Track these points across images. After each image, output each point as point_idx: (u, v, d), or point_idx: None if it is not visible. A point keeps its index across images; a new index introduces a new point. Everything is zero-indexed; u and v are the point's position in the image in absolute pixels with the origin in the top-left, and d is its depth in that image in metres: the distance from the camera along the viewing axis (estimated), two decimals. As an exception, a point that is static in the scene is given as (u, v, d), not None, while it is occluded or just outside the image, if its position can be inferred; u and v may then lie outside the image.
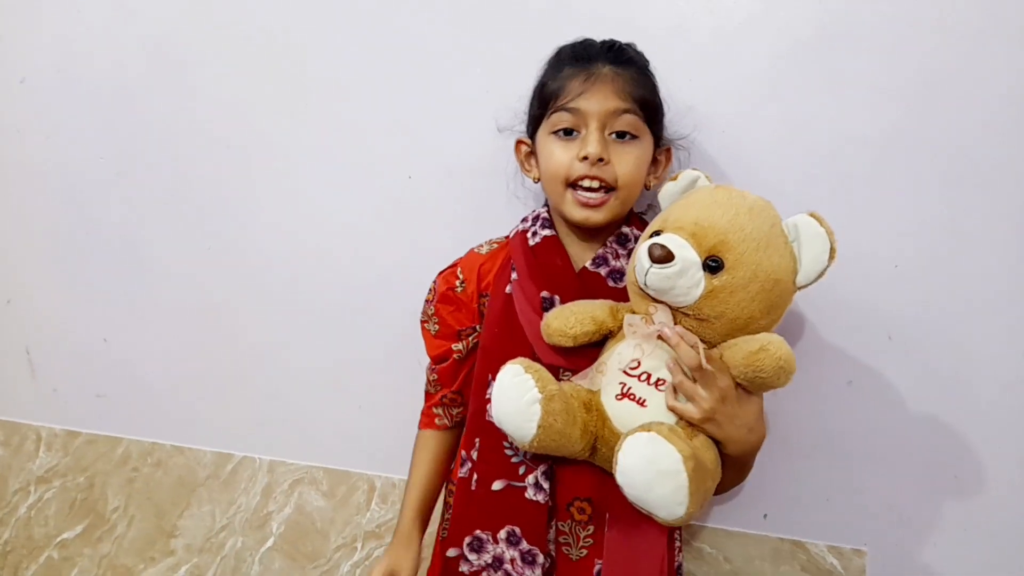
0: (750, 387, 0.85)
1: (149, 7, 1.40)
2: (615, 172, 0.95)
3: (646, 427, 0.81)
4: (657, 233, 0.85)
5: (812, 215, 0.85)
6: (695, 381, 0.83)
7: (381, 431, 1.34)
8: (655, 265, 0.80)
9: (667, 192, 0.95)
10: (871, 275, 1.12)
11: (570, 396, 0.87)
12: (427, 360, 1.12)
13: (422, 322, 1.11)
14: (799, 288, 0.86)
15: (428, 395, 1.12)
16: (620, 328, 0.91)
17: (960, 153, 1.08)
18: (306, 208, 1.36)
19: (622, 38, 1.07)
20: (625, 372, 0.88)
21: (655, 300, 0.85)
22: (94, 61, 1.45)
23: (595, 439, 0.89)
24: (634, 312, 0.89)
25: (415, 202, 1.30)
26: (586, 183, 0.96)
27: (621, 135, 0.96)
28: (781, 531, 1.19)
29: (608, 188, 0.96)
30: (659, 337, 0.85)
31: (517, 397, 0.85)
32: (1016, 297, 1.08)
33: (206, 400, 1.45)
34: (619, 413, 0.87)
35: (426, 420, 1.12)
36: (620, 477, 0.81)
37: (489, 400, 0.96)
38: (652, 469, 0.78)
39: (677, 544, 1.01)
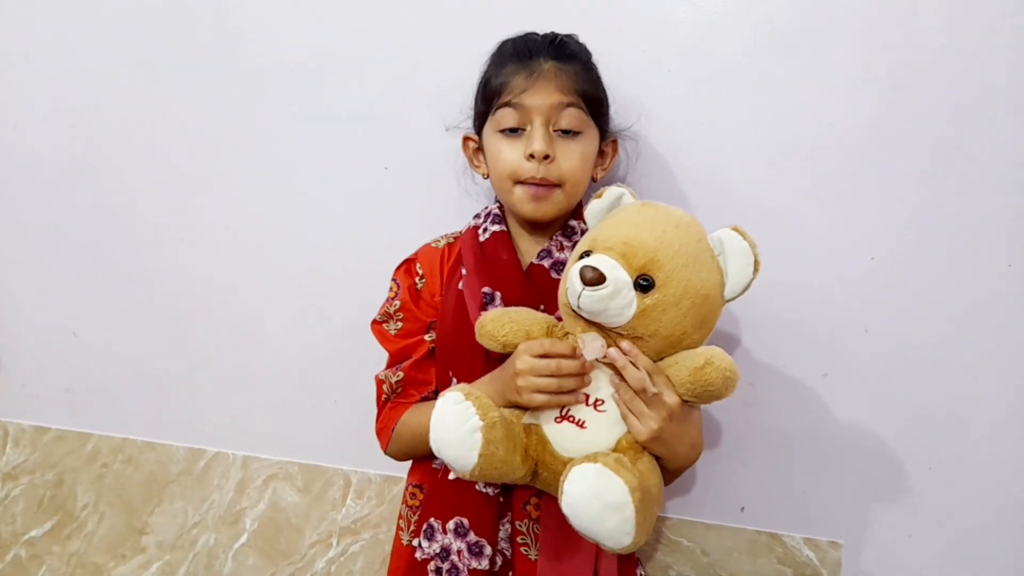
0: (697, 401, 0.85)
1: (119, -5, 1.38)
2: (560, 169, 0.96)
3: (592, 457, 0.79)
4: (587, 254, 0.84)
5: (735, 229, 0.85)
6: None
7: (356, 426, 1.32)
8: (587, 288, 0.79)
9: (593, 210, 0.93)
10: (848, 267, 1.12)
11: (511, 421, 0.86)
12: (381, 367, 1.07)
13: (378, 323, 1.07)
14: (726, 301, 0.86)
15: (390, 404, 1.04)
16: None
17: (937, 145, 1.09)
18: (280, 200, 1.34)
19: (600, 30, 1.07)
20: None
21: (588, 322, 0.85)
22: (63, 49, 1.42)
23: (536, 463, 0.87)
24: (568, 334, 0.89)
25: (391, 193, 1.28)
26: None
27: (565, 131, 0.97)
28: (758, 524, 1.19)
29: (554, 185, 0.96)
30: (604, 359, 0.84)
31: (457, 425, 0.82)
32: (993, 289, 1.09)
33: (178, 395, 1.43)
34: (559, 436, 0.86)
35: (394, 418, 1.03)
36: (566, 508, 0.79)
37: None
38: (599, 502, 0.77)
39: None
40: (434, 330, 1.04)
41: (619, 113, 1.11)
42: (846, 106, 1.11)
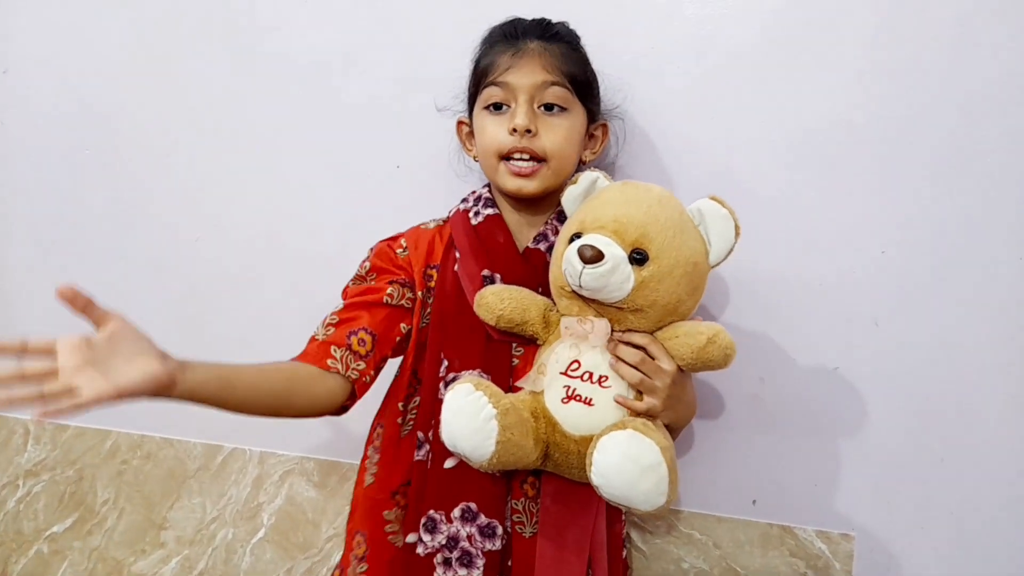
0: (693, 371, 0.90)
1: (134, -3, 1.40)
2: (543, 144, 0.97)
3: (619, 425, 0.83)
4: (577, 235, 0.86)
5: (713, 198, 0.88)
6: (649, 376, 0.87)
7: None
8: (587, 266, 0.82)
9: (569, 196, 0.96)
10: (857, 261, 1.13)
11: (519, 408, 0.88)
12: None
13: (345, 289, 1.04)
14: (712, 267, 0.90)
15: (314, 340, 0.98)
16: (546, 331, 0.94)
17: (947, 137, 1.09)
18: (294, 197, 1.36)
19: (607, 26, 1.08)
20: (566, 375, 0.89)
21: (586, 301, 0.87)
22: (77, 51, 1.44)
23: (547, 446, 0.89)
24: (564, 316, 0.91)
25: (404, 191, 1.29)
26: (516, 155, 0.97)
27: (549, 107, 0.98)
28: (770, 517, 1.20)
29: (539, 159, 0.98)
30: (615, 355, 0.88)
31: (472, 415, 0.84)
32: (1003, 282, 1.09)
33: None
34: (568, 416, 0.88)
35: (311, 354, 0.96)
36: (598, 478, 0.82)
37: (441, 379, 0.98)
38: (635, 465, 0.80)
39: (623, 517, 1.06)
40: (400, 287, 1.02)
41: (629, 109, 1.12)
42: (855, 99, 1.11)
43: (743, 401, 1.19)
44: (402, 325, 1.02)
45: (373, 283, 1.03)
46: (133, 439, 1.47)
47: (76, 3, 1.43)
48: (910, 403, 1.13)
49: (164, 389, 0.80)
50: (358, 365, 0.97)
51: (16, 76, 1.48)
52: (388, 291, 1.01)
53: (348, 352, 0.96)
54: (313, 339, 0.99)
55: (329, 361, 0.95)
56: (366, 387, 0.99)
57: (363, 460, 1.08)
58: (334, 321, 1.00)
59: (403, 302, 1.02)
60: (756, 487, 1.20)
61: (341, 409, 0.99)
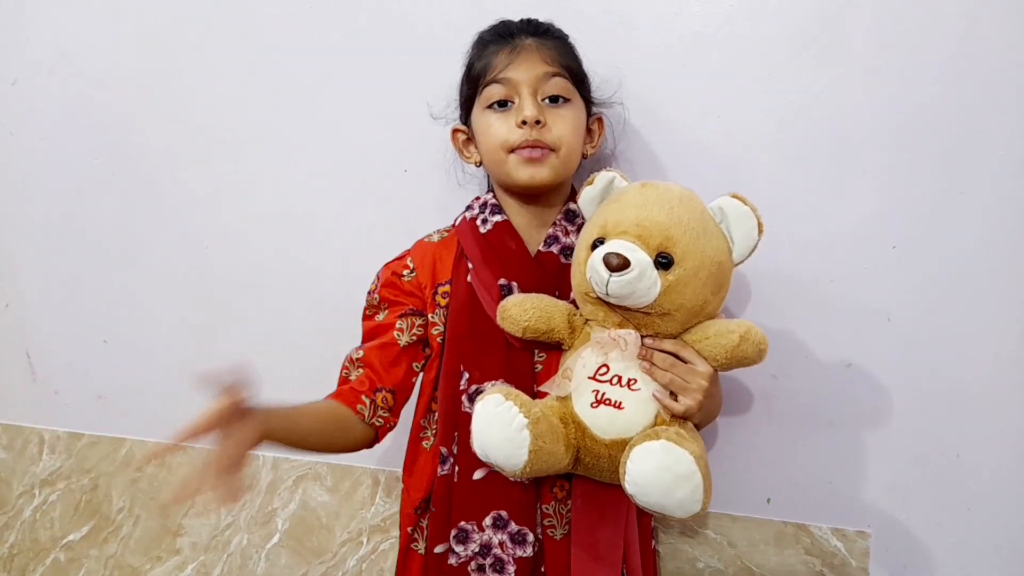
0: (727, 370, 0.88)
1: (141, 6, 1.40)
2: (552, 133, 0.96)
3: (652, 434, 0.82)
4: (601, 240, 0.86)
5: (735, 196, 0.87)
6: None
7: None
8: (614, 274, 0.81)
9: (586, 197, 0.95)
10: (869, 257, 1.12)
11: (548, 415, 0.87)
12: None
13: (365, 317, 1.06)
14: (736, 265, 0.89)
15: (343, 380, 1.04)
16: (572, 336, 0.93)
17: (957, 133, 1.08)
18: (303, 204, 1.36)
19: (614, 24, 1.07)
20: (594, 379, 0.88)
21: (612, 306, 0.86)
22: (87, 61, 1.45)
23: (577, 450, 0.89)
24: (589, 320, 0.91)
25: (412, 196, 1.29)
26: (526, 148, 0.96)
27: (554, 100, 0.98)
28: (784, 515, 1.19)
29: (548, 150, 0.97)
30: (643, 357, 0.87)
31: (504, 425, 0.84)
32: (1014, 275, 1.08)
33: (208, 399, 1.45)
34: (598, 420, 0.87)
35: (345, 395, 1.01)
36: (632, 487, 0.81)
37: (463, 392, 0.98)
38: (669, 475, 0.79)
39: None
40: (408, 319, 1.03)
41: (633, 107, 1.12)
42: (861, 93, 1.10)
43: (757, 399, 1.18)
44: (415, 364, 1.04)
45: (383, 320, 1.04)
46: (147, 447, 1.48)
47: (83, 13, 1.44)
48: (924, 399, 1.13)
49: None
50: (383, 414, 1.03)
51: (25, 86, 1.49)
52: (398, 326, 1.03)
53: (373, 405, 1.02)
54: (344, 379, 1.04)
55: (359, 407, 1.01)
56: (389, 430, 1.05)
57: (404, 479, 1.09)
58: (359, 367, 1.03)
59: (413, 335, 1.03)
60: (770, 485, 1.20)
61: (370, 446, 1.06)
